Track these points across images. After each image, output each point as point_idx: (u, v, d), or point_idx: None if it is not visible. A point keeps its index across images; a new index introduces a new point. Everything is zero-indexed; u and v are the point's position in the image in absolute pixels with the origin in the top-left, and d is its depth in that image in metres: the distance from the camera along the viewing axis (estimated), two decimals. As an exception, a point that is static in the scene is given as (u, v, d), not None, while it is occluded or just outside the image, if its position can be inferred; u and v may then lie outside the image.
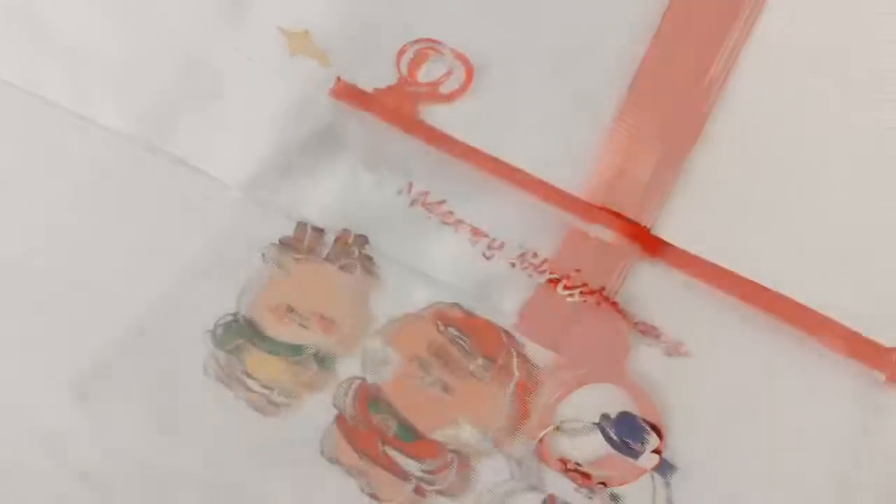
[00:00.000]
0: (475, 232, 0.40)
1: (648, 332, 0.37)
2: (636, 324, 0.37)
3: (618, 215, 0.39)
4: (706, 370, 0.37)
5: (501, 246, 0.39)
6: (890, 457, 0.36)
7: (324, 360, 0.38)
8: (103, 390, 0.38)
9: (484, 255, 0.39)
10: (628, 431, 0.36)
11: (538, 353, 0.38)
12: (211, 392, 0.37)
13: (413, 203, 0.41)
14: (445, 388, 0.37)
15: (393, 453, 0.36)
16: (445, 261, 0.40)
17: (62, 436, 0.37)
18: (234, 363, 0.38)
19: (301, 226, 0.42)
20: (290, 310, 0.40)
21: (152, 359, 0.38)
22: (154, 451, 0.37)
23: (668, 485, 0.35)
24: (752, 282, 0.38)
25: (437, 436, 0.36)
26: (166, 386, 0.38)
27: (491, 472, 0.36)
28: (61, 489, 0.36)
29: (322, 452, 0.36)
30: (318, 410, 0.37)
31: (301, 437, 0.37)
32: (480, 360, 0.38)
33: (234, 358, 0.38)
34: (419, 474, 0.36)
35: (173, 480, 0.36)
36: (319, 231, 0.41)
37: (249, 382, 0.38)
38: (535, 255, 0.39)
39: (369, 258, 0.41)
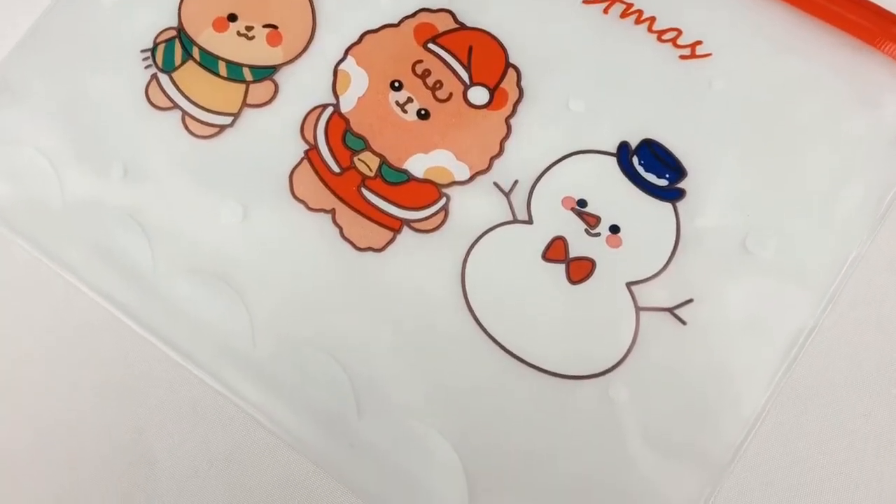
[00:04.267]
0: None
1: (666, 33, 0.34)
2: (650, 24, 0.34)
3: None
4: (728, 73, 0.33)
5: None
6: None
7: (269, 75, 0.35)
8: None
9: None
10: (650, 163, 0.33)
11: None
12: (150, 119, 0.34)
13: None
14: (427, 116, 0.34)
15: (374, 198, 0.33)
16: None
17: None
18: (171, 83, 0.35)
19: None
20: (233, 18, 0.36)
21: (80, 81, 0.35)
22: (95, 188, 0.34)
23: (676, 211, 0.32)
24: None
25: (417, 168, 0.33)
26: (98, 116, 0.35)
27: (478, 205, 0.33)
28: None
29: (293, 192, 0.33)
30: (284, 142, 0.34)
31: (271, 174, 0.34)
32: (475, 87, 0.34)
33: (171, 77, 0.35)
34: (404, 218, 0.33)
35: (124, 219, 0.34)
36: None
37: (187, 105, 0.35)
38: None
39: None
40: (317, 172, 0.33)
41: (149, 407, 0.33)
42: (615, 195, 0.32)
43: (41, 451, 0.33)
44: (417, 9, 0.34)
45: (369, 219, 0.33)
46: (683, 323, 0.31)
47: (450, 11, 0.34)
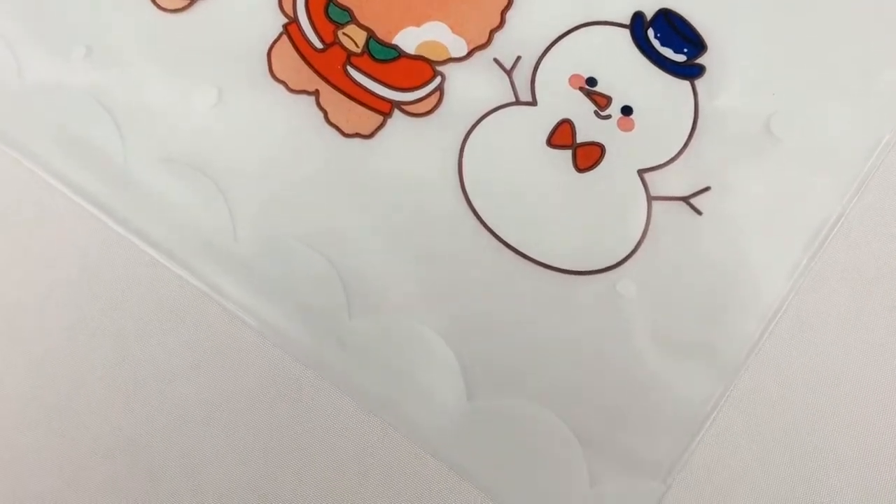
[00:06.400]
0: None
1: None
2: None
3: None
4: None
5: None
6: None
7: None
8: None
9: None
10: (667, 36, 0.31)
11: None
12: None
13: None
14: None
15: (361, 77, 0.31)
16: None
17: None
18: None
19: None
20: None
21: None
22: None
23: (695, 90, 0.31)
24: None
25: (408, 44, 0.31)
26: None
27: (476, 85, 0.32)
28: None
29: (272, 72, 0.32)
30: (261, 15, 0.32)
31: (247, 52, 0.32)
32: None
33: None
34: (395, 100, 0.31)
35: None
36: None
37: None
38: None
39: None
40: (297, 49, 0.31)
41: (126, 308, 0.31)
42: (628, 72, 0.31)
43: (9, 356, 0.31)
44: None
45: (356, 101, 0.31)
46: (699, 213, 0.30)
47: None
